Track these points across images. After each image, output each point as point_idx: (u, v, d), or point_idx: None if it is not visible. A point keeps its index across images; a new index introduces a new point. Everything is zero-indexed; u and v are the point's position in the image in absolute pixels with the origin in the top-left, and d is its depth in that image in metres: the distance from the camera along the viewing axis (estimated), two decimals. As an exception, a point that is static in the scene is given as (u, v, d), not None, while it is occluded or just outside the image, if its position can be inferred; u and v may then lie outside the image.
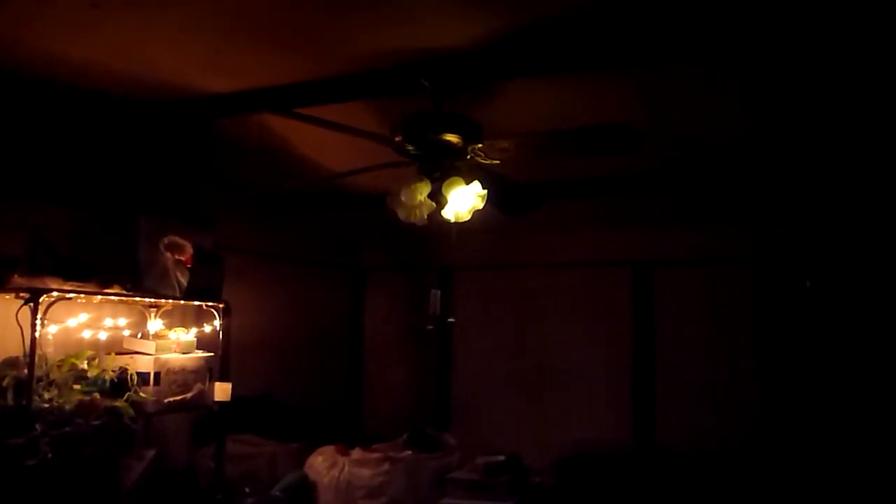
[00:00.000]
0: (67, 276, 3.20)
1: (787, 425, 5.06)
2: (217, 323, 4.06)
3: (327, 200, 5.17)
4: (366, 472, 4.49)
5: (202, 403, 3.85)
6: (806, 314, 5.12)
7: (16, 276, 3.10)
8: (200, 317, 4.20)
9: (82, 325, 3.55)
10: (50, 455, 2.80)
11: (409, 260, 6.45)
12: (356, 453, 4.64)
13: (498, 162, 2.92)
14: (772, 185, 4.43)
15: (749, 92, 3.10)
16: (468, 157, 2.89)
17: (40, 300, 3.02)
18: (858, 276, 4.96)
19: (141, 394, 3.45)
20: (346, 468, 4.52)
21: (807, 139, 3.68)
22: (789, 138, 3.68)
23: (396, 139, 2.86)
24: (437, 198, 2.85)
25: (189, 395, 3.75)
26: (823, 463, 4.73)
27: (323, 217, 5.67)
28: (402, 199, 2.81)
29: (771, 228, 5.20)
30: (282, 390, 5.25)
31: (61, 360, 3.26)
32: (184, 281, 3.79)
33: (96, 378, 3.30)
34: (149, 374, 3.54)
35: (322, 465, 4.59)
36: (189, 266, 3.82)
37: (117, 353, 3.60)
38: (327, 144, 3.79)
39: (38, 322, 3.00)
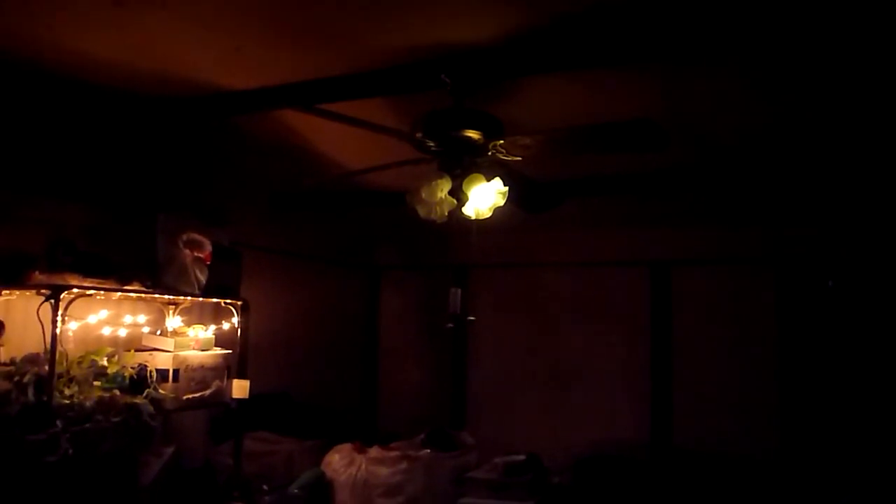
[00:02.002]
0: (87, 273, 3.21)
1: (809, 427, 5.00)
2: (235, 320, 4.06)
3: (344, 198, 5.14)
4: (383, 471, 4.48)
5: (220, 401, 3.85)
6: (828, 314, 5.05)
7: (36, 272, 3.11)
8: (219, 314, 4.20)
9: (102, 321, 3.56)
10: (70, 451, 2.80)
11: (425, 258, 6.43)
12: (373, 451, 4.64)
13: (519, 159, 2.89)
14: (793, 183, 4.37)
15: (771, 91, 3.06)
16: (489, 153, 2.86)
17: (60, 297, 3.02)
18: (882, 275, 4.88)
19: (160, 391, 3.45)
20: (364, 466, 4.52)
21: (828, 138, 3.63)
22: (810, 137, 3.63)
23: (417, 135, 2.84)
24: (458, 195, 2.83)
25: (207, 392, 3.75)
26: (847, 465, 4.67)
27: (340, 215, 5.66)
28: (423, 196, 2.78)
29: (792, 227, 5.14)
30: (299, 388, 5.25)
31: (81, 357, 3.26)
32: (202, 278, 3.79)
33: (116, 375, 3.30)
34: (168, 370, 3.54)
35: (339, 462, 4.59)
36: (208, 263, 3.82)
37: (136, 350, 3.60)
38: (346, 142, 3.78)
39: (59, 319, 3.00)
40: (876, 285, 4.90)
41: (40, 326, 3.05)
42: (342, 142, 3.81)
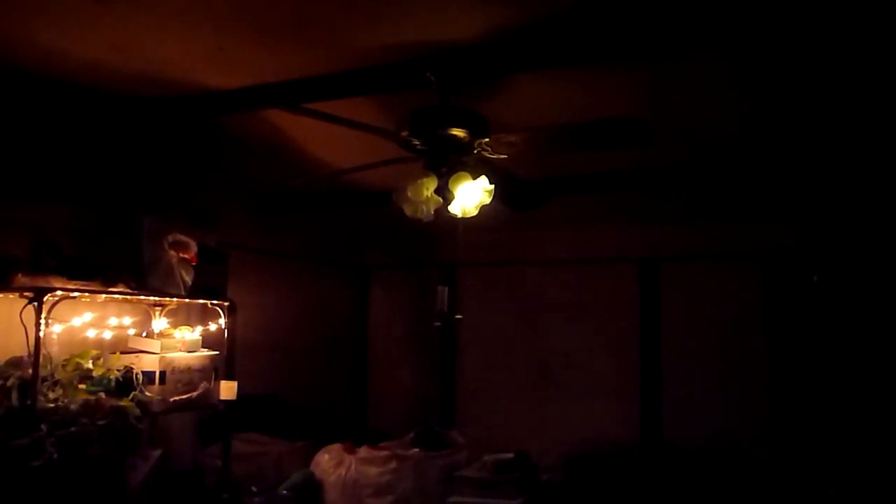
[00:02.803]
0: (71, 275, 3.18)
1: (797, 422, 5.02)
2: (222, 321, 4.04)
3: (331, 198, 5.15)
4: (373, 471, 4.46)
5: (208, 402, 3.83)
6: (814, 309, 5.08)
7: (19, 275, 3.08)
8: (205, 315, 4.17)
9: (87, 324, 3.53)
10: (55, 455, 2.78)
11: (413, 257, 6.42)
12: (363, 451, 4.62)
13: (505, 156, 2.89)
14: (778, 180, 4.39)
15: (757, 87, 3.07)
16: (475, 151, 2.86)
17: (44, 299, 3.00)
18: (866, 270, 4.92)
19: (146, 393, 3.42)
20: (353, 466, 4.50)
21: (812, 135, 3.64)
22: (796, 134, 3.65)
23: (403, 134, 2.83)
24: (444, 193, 2.82)
25: (194, 394, 3.73)
26: (834, 459, 4.70)
27: (327, 214, 5.64)
28: (409, 194, 2.78)
29: (778, 223, 5.16)
30: (287, 388, 5.23)
31: (66, 360, 3.23)
32: (188, 279, 3.77)
33: (101, 377, 3.28)
34: (154, 373, 3.52)
35: (328, 463, 4.57)
36: (194, 264, 3.80)
37: (122, 353, 3.58)
38: (332, 141, 3.77)
39: (43, 321, 2.98)
40: (860, 280, 4.93)
41: (24, 329, 3.02)
42: (328, 141, 3.79)
